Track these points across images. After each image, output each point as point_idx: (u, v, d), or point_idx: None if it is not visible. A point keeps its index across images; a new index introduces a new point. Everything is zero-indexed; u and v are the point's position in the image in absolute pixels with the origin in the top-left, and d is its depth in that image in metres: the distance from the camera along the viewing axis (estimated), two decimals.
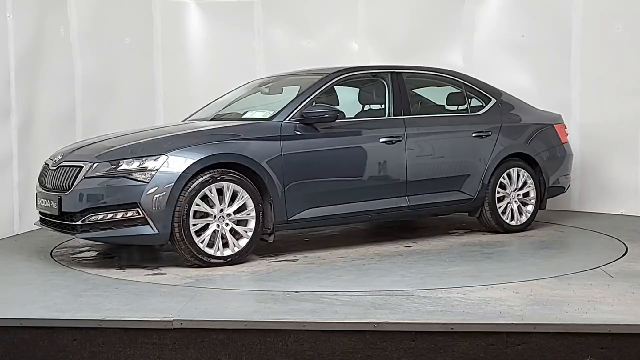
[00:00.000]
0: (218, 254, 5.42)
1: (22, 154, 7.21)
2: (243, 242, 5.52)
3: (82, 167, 5.45)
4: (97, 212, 5.29)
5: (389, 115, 6.37)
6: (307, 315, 4.04)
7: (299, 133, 5.85)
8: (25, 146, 7.27)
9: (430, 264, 5.51)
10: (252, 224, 5.54)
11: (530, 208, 6.89)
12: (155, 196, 5.22)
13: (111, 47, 8.44)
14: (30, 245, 6.51)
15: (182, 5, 8.86)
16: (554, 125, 7.21)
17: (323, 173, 5.91)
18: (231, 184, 5.44)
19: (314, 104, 6.02)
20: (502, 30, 8.50)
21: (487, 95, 6.98)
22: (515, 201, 6.80)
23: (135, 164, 5.31)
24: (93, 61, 8.26)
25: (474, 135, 6.63)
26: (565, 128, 7.34)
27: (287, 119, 5.87)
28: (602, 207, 7.95)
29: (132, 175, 5.27)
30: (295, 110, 5.93)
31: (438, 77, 6.94)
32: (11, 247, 6.51)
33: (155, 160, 5.31)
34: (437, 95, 7.05)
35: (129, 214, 5.23)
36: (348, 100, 6.69)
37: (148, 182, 5.23)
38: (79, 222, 5.35)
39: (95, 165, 5.38)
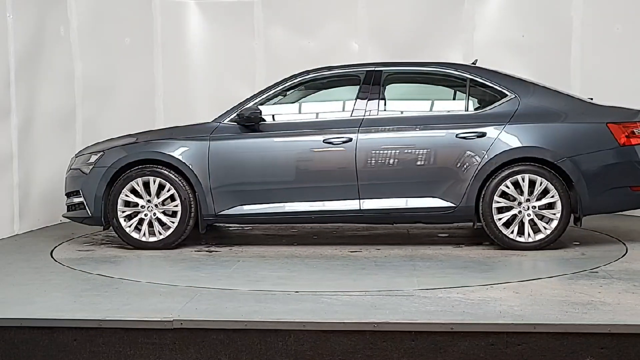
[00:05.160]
0: (144, 239, 6.18)
1: (22, 154, 7.22)
2: (169, 231, 6.15)
3: (71, 160, 6.64)
4: (70, 196, 6.43)
5: (351, 115, 6.17)
6: (307, 315, 4.04)
7: (234, 134, 6.18)
8: (25, 146, 7.27)
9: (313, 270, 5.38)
10: (179, 215, 6.15)
11: (553, 224, 5.90)
12: (90, 186, 6.23)
13: (111, 47, 8.45)
14: (30, 245, 6.52)
15: (182, 5, 8.85)
16: (608, 125, 5.93)
17: (254, 172, 6.12)
18: (158, 178, 6.13)
19: (261, 105, 6.24)
20: (502, 30, 8.50)
21: (503, 90, 6.14)
22: (528, 214, 5.91)
23: (86, 159, 6.36)
24: (93, 61, 8.27)
25: (458, 136, 5.97)
26: (637, 127, 5.97)
27: (227, 120, 6.26)
28: None
29: (82, 168, 6.33)
30: (237, 112, 6.23)
31: (433, 73, 6.40)
32: (11, 247, 6.52)
33: (96, 156, 6.29)
34: (428, 92, 6.65)
35: (77, 199, 6.31)
36: (320, 99, 6.69)
37: (87, 174, 6.24)
38: (66, 203, 6.51)
39: (74, 159, 6.57)
